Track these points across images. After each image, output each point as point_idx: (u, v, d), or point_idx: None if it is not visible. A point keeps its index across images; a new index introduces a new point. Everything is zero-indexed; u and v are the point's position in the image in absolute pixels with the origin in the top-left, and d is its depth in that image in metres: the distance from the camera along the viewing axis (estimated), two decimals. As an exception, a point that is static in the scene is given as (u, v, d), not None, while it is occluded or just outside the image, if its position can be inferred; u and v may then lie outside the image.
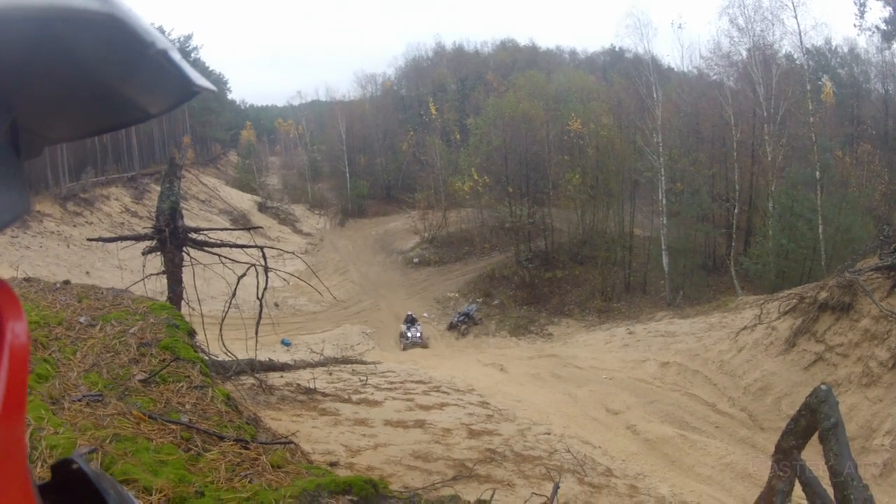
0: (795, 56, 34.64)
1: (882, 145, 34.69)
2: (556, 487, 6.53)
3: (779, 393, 14.26)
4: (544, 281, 34.58)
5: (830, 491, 5.32)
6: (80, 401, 4.28)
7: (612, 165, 35.68)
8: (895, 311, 13.17)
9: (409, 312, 31.86)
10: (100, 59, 0.65)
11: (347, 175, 48.75)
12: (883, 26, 33.87)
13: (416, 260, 38.68)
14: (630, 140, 35.72)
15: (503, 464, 8.41)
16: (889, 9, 33.08)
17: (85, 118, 0.83)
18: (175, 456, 3.72)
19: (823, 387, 5.57)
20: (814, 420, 5.43)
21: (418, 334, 30.06)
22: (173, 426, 4.23)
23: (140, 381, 4.97)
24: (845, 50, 40.39)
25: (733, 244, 33.10)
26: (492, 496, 5.63)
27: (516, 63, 54.82)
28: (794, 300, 16.25)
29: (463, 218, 39.82)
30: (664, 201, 33.05)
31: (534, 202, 37.74)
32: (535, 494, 6.44)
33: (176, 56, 0.68)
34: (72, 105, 0.75)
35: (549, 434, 10.37)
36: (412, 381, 13.77)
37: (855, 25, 40.02)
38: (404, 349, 28.45)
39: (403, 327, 30.52)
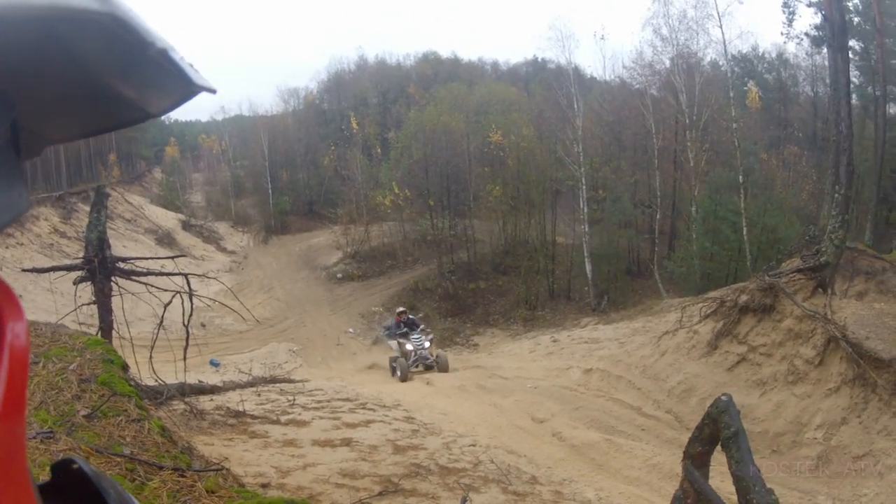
0: (721, 63, 33.81)
1: (810, 146, 34.32)
2: (464, 500, 6.77)
3: (703, 394, 13.78)
4: (468, 292, 33.40)
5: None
6: (34, 438, 4.27)
7: (532, 176, 34.83)
8: (819, 311, 12.93)
9: (401, 308, 22.89)
10: (100, 59, 0.63)
11: (270, 191, 46.76)
12: (813, 32, 33.00)
13: (339, 275, 37.06)
14: (551, 150, 34.86)
15: (428, 477, 8.32)
16: (820, 16, 31.14)
17: (85, 118, 0.80)
18: (122, 486, 1.96)
19: (724, 397, 5.57)
20: (716, 429, 5.43)
21: (427, 345, 20.79)
22: (118, 458, 4.35)
23: (84, 416, 5.13)
24: (773, 55, 39.94)
25: (657, 248, 32.23)
26: None
27: (438, 76, 53.67)
28: (715, 304, 15.79)
29: (385, 232, 38.47)
30: (585, 209, 32.08)
31: (455, 214, 36.81)
32: None
33: (176, 56, 0.67)
34: (72, 105, 0.73)
35: (474, 445, 10.23)
36: (339, 399, 13.46)
37: (782, 33, 39.10)
38: (403, 380, 18.68)
39: (393, 344, 21.19)
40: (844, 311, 13.03)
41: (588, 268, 31.69)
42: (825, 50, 28.93)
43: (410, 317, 22.70)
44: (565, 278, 33.30)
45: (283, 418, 10.74)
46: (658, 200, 32.73)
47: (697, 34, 32.87)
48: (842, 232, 14.14)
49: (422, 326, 22.17)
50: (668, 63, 33.56)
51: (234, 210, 49.89)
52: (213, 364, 23.14)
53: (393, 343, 21.46)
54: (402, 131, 41.40)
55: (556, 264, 33.65)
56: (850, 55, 27.02)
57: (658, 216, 32.77)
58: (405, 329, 21.32)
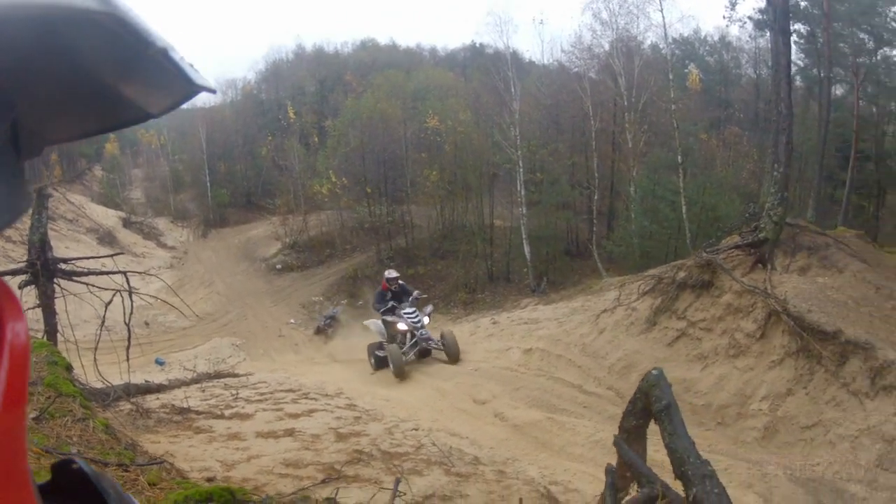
0: (661, 47, 33.89)
1: (752, 127, 34.19)
2: (398, 482, 6.71)
3: (644, 369, 11.85)
4: (407, 278, 31.16)
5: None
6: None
7: (469, 160, 34.26)
8: (758, 285, 13.10)
9: (392, 273, 17.27)
10: (100, 59, 0.63)
11: (208, 184, 45.29)
12: (757, 16, 33.32)
13: (279, 266, 36.07)
14: (488, 134, 34.28)
15: (371, 463, 8.44)
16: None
17: (85, 118, 0.80)
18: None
19: (654, 371, 5.54)
20: (648, 402, 5.39)
21: (426, 321, 16.51)
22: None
23: (33, 418, 5.10)
24: (716, 39, 40.00)
25: (595, 229, 32.04)
26: (335, 493, 6.16)
27: (376, 63, 52.80)
28: (653, 281, 15.85)
29: (323, 221, 37.52)
30: (523, 192, 31.60)
31: (392, 201, 36.11)
32: (382, 489, 6.80)
33: (176, 55, 0.66)
34: (72, 104, 0.73)
35: (416, 430, 10.32)
36: (282, 391, 13.41)
37: (725, 17, 40.05)
38: (400, 376, 15.31)
39: (373, 324, 17.20)
40: (785, 285, 13.11)
41: (527, 250, 31.22)
42: (769, 33, 28.82)
43: (402, 283, 17.08)
44: (504, 261, 32.64)
45: (228, 412, 10.80)
46: (596, 181, 32.47)
47: (637, 18, 32.81)
48: (781, 209, 14.28)
49: (415, 294, 16.83)
50: (607, 47, 33.37)
51: (174, 205, 48.71)
52: (159, 363, 22.59)
53: (373, 323, 16.94)
54: (338, 119, 40.70)
55: (494, 247, 33.02)
56: (797, 38, 28.91)
57: (596, 197, 32.45)
58: (391, 302, 16.25)
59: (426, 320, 16.31)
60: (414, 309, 16.21)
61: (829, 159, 28.45)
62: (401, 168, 36.47)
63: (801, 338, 11.55)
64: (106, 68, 0.63)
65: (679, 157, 28.80)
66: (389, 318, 16.15)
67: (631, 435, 5.62)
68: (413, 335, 15.84)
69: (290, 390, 13.33)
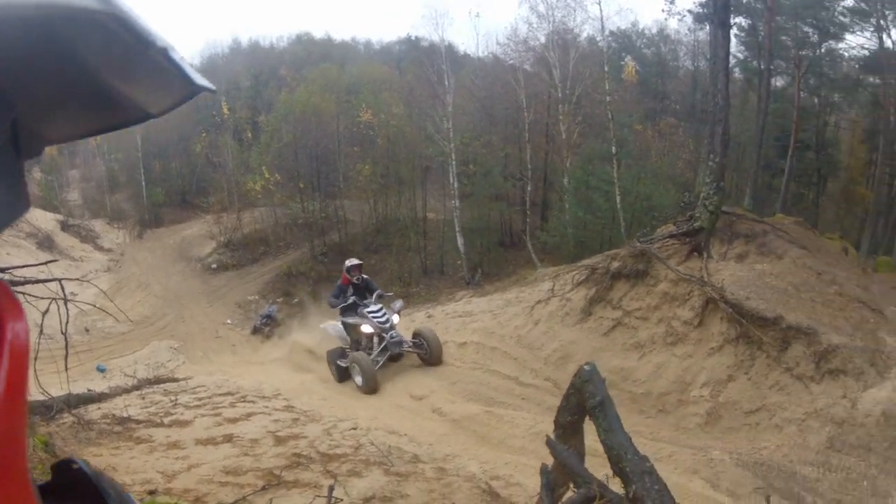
0: (598, 39, 33.67)
1: (688, 118, 34.26)
2: (332, 488, 6.51)
3: (580, 360, 11.97)
4: (341, 273, 30.29)
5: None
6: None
7: (402, 154, 34.11)
8: (694, 274, 13.11)
9: (354, 261, 14.19)
10: (100, 59, 0.64)
11: (143, 183, 44.47)
12: (697, 9, 33.38)
13: (214, 265, 35.40)
14: (421, 127, 33.87)
15: (310, 466, 8.09)
16: (704, -7, 32.64)
17: (85, 118, 0.82)
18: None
19: (587, 366, 5.27)
20: (582, 398, 5.19)
21: (395, 320, 13.64)
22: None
23: None
24: (654, 31, 40.02)
25: (529, 220, 31.72)
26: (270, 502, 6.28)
27: (311, 57, 52.46)
28: (587, 272, 15.56)
29: (257, 218, 36.96)
30: (456, 184, 31.40)
31: (326, 196, 35.54)
32: (318, 496, 6.61)
33: (176, 55, 0.67)
34: (72, 104, 0.75)
35: (354, 429, 9.98)
36: (220, 394, 12.84)
37: (664, 10, 39.41)
38: (370, 389, 12.79)
39: (332, 328, 14.34)
40: (722, 273, 13.18)
41: (460, 242, 30.93)
42: (708, 26, 28.52)
43: (365, 276, 13.96)
44: (438, 254, 32.41)
45: (167, 420, 10.46)
46: (529, 173, 32.14)
47: (575, 11, 33.12)
48: (717, 198, 14.37)
49: (378, 290, 13.78)
50: (542, 39, 33.16)
51: (110, 206, 47.70)
52: (100, 370, 21.50)
53: (332, 327, 14.15)
54: (272, 114, 40.34)
55: (428, 240, 32.70)
56: (738, 31, 29.03)
57: (529, 188, 32.18)
58: (352, 297, 13.40)
59: (396, 319, 13.41)
60: (380, 306, 13.27)
61: (767, 149, 28.36)
62: (334, 163, 35.94)
63: (740, 324, 11.53)
64: (106, 68, 0.62)
65: (613, 148, 28.66)
66: (351, 320, 13.17)
67: (566, 431, 5.46)
68: (381, 339, 13.04)
69: (229, 393, 12.86)
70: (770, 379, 11.01)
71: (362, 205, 35.21)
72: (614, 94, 30.82)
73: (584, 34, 34.41)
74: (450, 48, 36.00)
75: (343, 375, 13.59)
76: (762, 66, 28.01)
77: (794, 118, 27.00)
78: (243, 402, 12.03)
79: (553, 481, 5.22)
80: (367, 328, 13.00)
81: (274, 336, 26.90)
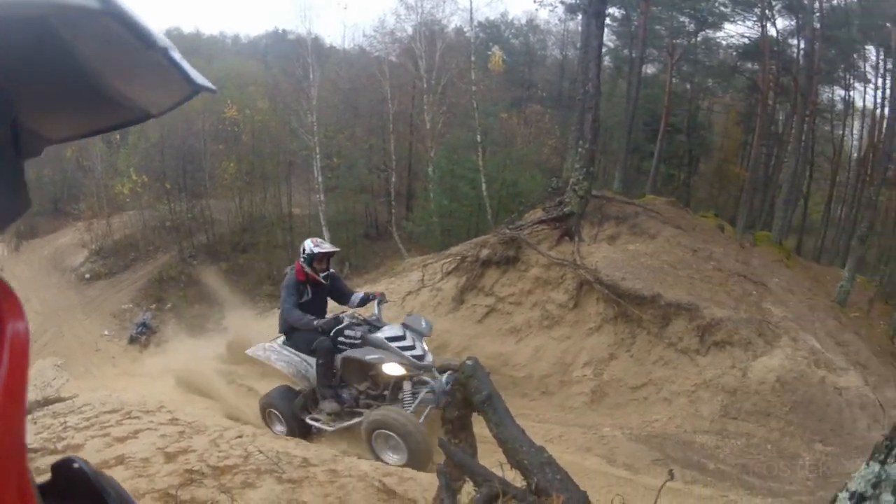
0: (465, 30, 33.52)
1: (555, 105, 34.37)
2: None
3: (457, 347, 13.37)
4: (211, 275, 30.26)
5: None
6: None
7: (267, 149, 33.41)
8: (566, 258, 13.34)
9: (323, 247, 9.14)
10: (100, 59, 0.64)
11: None
12: (569, 0, 32.67)
13: (87, 275, 33.96)
14: (285, 122, 33.35)
15: (203, 482, 7.17)
16: (576, -16, 33.10)
17: (85, 118, 0.82)
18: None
19: (469, 361, 5.13)
20: (467, 394, 5.09)
21: (427, 351, 8.58)
22: None
23: None
24: (523, 22, 40.13)
25: (394, 210, 31.48)
26: None
27: (180, 52, 50.11)
28: (456, 260, 15.55)
29: (126, 222, 35.54)
30: (320, 178, 30.79)
31: (192, 196, 34.42)
32: None
33: (177, 55, 0.67)
34: (72, 104, 0.75)
35: (241, 437, 8.95)
36: (106, 412, 11.47)
37: (535, 1, 39.73)
38: (409, 461, 7.87)
39: (289, 356, 9.14)
40: (595, 255, 13.35)
41: (326, 236, 29.58)
42: (581, 16, 28.71)
43: (332, 271, 9.33)
44: None
45: (60, 445, 9.27)
46: (394, 163, 31.79)
47: (444, 2, 33.68)
48: (586, 183, 14.61)
49: (360, 293, 9.75)
50: (410, 31, 32.92)
51: (-14, 218, 45.08)
52: None
53: (274, 353, 9.32)
54: None
55: (295, 236, 31.53)
56: (610, 21, 28.70)
57: (394, 179, 31.91)
58: (340, 315, 8.90)
59: (427, 352, 8.60)
60: (400, 330, 8.55)
61: (637, 133, 28.40)
62: (199, 162, 35.07)
63: (617, 304, 11.65)
64: (106, 68, 0.62)
65: (478, 137, 28.43)
66: (370, 357, 8.22)
67: (455, 425, 5.35)
68: (417, 383, 8.45)
69: (114, 410, 11.61)
70: (653, 355, 11.32)
71: (228, 203, 34.27)
72: (480, 84, 30.42)
73: (453, 25, 34.32)
74: (316, 41, 35.74)
75: (304, 432, 8.93)
76: (634, 55, 28.09)
77: (665, 103, 27.08)
78: (129, 418, 11.05)
79: (451, 480, 4.89)
80: (393, 368, 8.14)
81: (151, 344, 25.87)
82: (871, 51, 23.44)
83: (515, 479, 4.50)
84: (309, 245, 9.04)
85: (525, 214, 16.29)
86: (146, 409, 11.80)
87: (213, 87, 0.74)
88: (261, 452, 8.14)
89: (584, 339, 12.15)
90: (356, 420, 8.52)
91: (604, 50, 27.35)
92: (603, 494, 7.40)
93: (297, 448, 8.79)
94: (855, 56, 23.89)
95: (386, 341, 8.24)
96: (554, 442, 9.09)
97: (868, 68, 24.04)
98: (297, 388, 9.17)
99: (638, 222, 14.95)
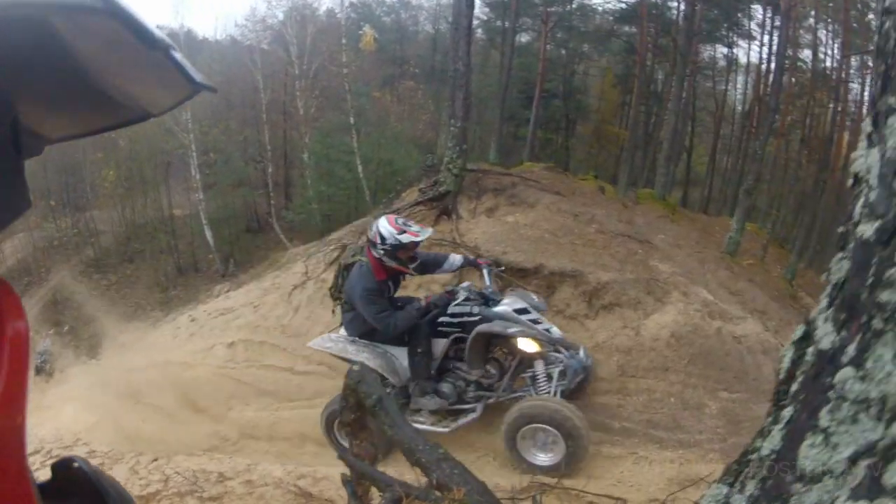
0: (337, 11, 33.29)
1: (428, 79, 33.86)
2: None
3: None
4: (102, 288, 30.36)
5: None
6: None
7: (144, 152, 32.45)
8: (445, 236, 13.13)
9: (415, 234, 6.93)
10: (100, 58, 0.64)
11: None
12: None
13: None
14: (159, 122, 31.15)
15: None
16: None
17: (86, 117, 0.83)
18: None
19: (356, 367, 5.03)
20: (359, 398, 5.00)
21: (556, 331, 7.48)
22: None
23: None
24: None
25: (273, 201, 31.04)
26: None
27: None
28: (337, 251, 15.52)
29: (17, 246, 33.98)
30: (198, 176, 30.12)
31: (76, 209, 33.53)
32: None
33: (178, 55, 0.67)
34: (73, 104, 0.75)
35: (156, 460, 8.81)
36: (28, 454, 8.61)
37: None
38: (565, 464, 6.79)
39: (384, 352, 7.45)
40: (474, 231, 13.21)
41: (209, 234, 29.75)
42: None
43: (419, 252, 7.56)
44: (189, 251, 31.00)
45: None
46: (269, 153, 31.42)
47: None
48: (460, 161, 14.53)
49: (487, 263, 8.03)
50: (281, 16, 32.57)
51: None
52: None
53: (349, 344, 7.72)
54: None
55: (178, 239, 31.25)
56: None
57: (271, 169, 31.43)
58: (444, 294, 7.61)
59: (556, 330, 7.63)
60: (522, 303, 7.34)
61: (512, 102, 28.22)
62: (80, 173, 34.28)
63: (500, 278, 10.64)
64: (107, 68, 0.62)
65: (352, 119, 28.34)
66: (512, 331, 7.03)
67: (354, 427, 5.26)
68: (555, 357, 7.50)
69: (36, 451, 11.00)
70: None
71: (111, 213, 33.46)
72: (352, 65, 30.35)
73: (324, 7, 34.28)
74: (189, 34, 35.49)
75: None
76: (506, 25, 27.98)
77: (540, 70, 26.99)
78: (49, 456, 10.83)
79: (357, 490, 4.94)
80: (527, 344, 7.12)
81: (55, 372, 23.22)
82: (757, 9, 23.62)
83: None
84: (387, 231, 6.73)
85: (403, 193, 16.39)
86: (64, 444, 11.57)
87: (214, 87, 0.70)
88: (178, 474, 8.24)
89: (471, 315, 12.16)
90: (471, 417, 7.45)
91: (477, 22, 27.21)
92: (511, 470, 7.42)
93: (211, 463, 8.85)
94: (740, 15, 24.10)
95: (515, 315, 7.05)
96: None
97: (754, 26, 24.25)
98: (391, 382, 7.46)
99: (516, 192, 14.91)
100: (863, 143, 1.56)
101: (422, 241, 7.02)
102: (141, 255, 31.47)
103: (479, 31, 30.14)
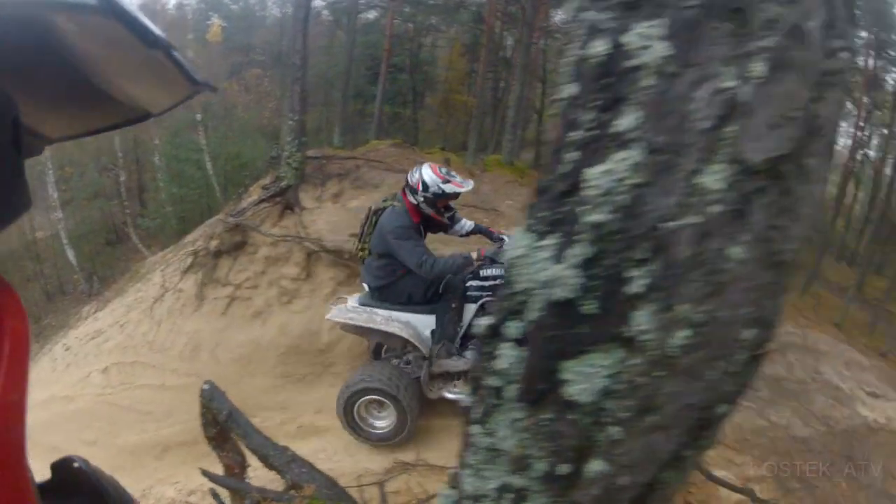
0: (186, 3, 33.64)
1: (274, 65, 33.20)
2: None
3: (210, 345, 12.87)
4: None
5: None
6: None
7: None
8: (289, 232, 13.13)
9: (457, 185, 6.17)
10: (100, 57, 0.64)
11: None
12: None
13: None
14: None
15: None
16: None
17: (86, 117, 0.81)
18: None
19: (205, 386, 5.12)
20: (213, 415, 5.07)
21: None
22: None
23: None
24: None
25: (128, 210, 30.40)
26: None
27: None
28: (190, 258, 14.75)
29: None
30: (56, 194, 29.16)
31: None
32: None
33: (178, 54, 0.67)
34: (73, 103, 0.75)
35: None
36: None
37: None
38: None
39: (416, 320, 6.50)
40: (318, 222, 13.19)
41: (70, 254, 29.14)
42: None
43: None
44: (55, 273, 30.23)
45: None
46: (120, 160, 30.76)
47: None
48: (299, 155, 14.35)
49: (500, 233, 7.27)
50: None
51: None
52: None
53: (376, 312, 6.56)
54: None
55: (42, 263, 30.56)
56: None
57: (123, 177, 30.78)
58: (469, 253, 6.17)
59: None
60: None
61: (358, 79, 28.39)
62: None
63: (346, 266, 11.61)
64: (107, 67, 0.62)
65: (198, 115, 27.78)
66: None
67: (217, 441, 5.26)
68: None
69: None
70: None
71: (-22, 243, 33.18)
72: (199, 59, 30.00)
73: (174, 1, 33.89)
74: None
75: (415, 419, 6.55)
76: (348, 3, 27.59)
77: (386, 46, 26.88)
78: None
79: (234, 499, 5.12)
80: None
81: None
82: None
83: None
84: (431, 179, 6.23)
85: (250, 188, 15.94)
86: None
87: (215, 86, 0.74)
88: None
89: (323, 304, 11.65)
90: None
91: (323, 4, 28.05)
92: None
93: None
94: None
95: None
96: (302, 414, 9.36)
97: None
98: (405, 357, 6.91)
99: (360, 175, 14.90)
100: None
101: (464, 192, 6.49)
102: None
103: (325, 12, 30.41)
